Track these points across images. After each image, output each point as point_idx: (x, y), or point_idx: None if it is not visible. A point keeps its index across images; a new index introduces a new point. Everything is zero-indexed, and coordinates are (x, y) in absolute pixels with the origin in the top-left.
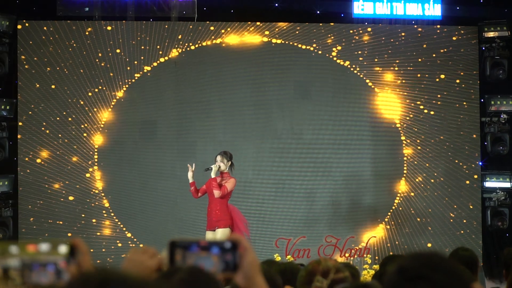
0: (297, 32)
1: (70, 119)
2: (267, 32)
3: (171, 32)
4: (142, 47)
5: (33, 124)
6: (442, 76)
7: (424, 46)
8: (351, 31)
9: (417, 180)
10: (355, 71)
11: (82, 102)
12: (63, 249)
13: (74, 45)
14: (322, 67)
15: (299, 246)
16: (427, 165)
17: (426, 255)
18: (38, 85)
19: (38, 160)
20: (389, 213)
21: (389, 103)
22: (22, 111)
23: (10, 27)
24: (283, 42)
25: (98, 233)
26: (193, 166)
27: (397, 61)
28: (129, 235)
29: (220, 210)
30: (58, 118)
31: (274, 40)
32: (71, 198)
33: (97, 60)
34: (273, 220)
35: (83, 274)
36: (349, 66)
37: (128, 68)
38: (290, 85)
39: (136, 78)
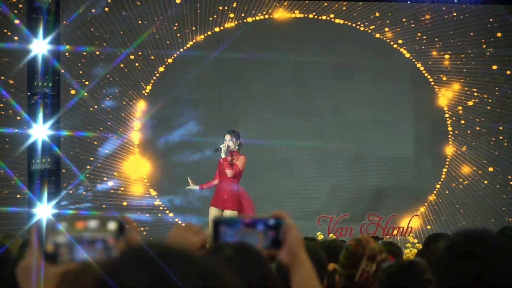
0: (343, 8)
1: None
2: (311, 9)
3: (214, 8)
4: (176, 25)
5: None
6: (494, 67)
7: (472, 33)
8: (398, 9)
9: (462, 169)
10: (401, 50)
11: (126, 70)
12: (112, 225)
13: (123, 13)
14: (365, 46)
15: (342, 224)
16: (471, 151)
17: (476, 232)
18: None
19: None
20: (433, 194)
21: (436, 85)
22: (64, 86)
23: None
24: (327, 19)
25: (139, 212)
26: (190, 182)
27: (446, 42)
28: (171, 214)
29: (230, 191)
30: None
31: (317, 17)
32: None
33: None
34: (316, 198)
35: (137, 247)
36: (394, 45)
37: (168, 42)
38: (332, 64)
39: (178, 53)
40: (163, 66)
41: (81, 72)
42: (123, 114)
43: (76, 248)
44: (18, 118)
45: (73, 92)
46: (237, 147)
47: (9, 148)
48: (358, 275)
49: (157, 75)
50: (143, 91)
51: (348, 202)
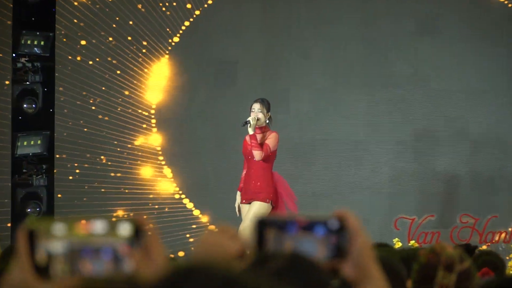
0: None
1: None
2: None
3: None
4: None
5: (75, 62)
6: None
7: None
8: None
9: None
10: (504, 1)
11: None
12: (124, 229)
13: None
14: None
15: (426, 228)
16: None
17: None
18: (79, 14)
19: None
20: None
21: None
22: (61, 47)
23: None
24: None
25: (156, 206)
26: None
27: None
28: (196, 213)
29: (263, 178)
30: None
31: None
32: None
33: None
34: (392, 193)
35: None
36: None
37: None
38: (410, 18)
39: (210, 3)
40: (190, 19)
41: (82, 24)
42: (137, 82)
43: (76, 259)
44: None
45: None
46: (267, 121)
47: None
48: None
49: (183, 28)
50: (165, 52)
51: (434, 199)
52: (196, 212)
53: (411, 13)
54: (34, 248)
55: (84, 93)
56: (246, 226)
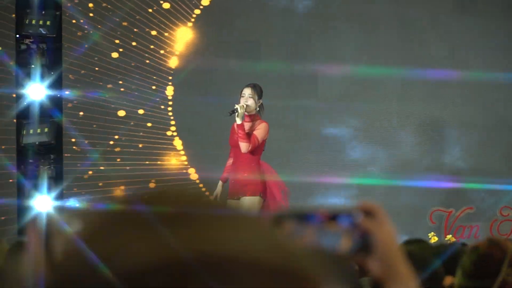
0: None
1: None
2: None
3: None
4: None
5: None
6: None
7: None
8: None
9: None
10: None
11: (150, 10)
12: None
13: None
14: None
15: (463, 221)
16: None
17: None
18: None
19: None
20: None
21: None
22: (68, 27)
23: None
24: None
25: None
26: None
27: None
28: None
29: (250, 170)
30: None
31: None
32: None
33: None
34: (428, 184)
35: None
36: None
37: None
38: None
39: None
40: None
41: (91, 5)
42: (152, 69)
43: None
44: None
45: (80, 34)
46: (257, 109)
47: None
48: (495, 287)
49: (201, 7)
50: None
51: (472, 190)
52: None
53: None
54: (46, 243)
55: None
56: None
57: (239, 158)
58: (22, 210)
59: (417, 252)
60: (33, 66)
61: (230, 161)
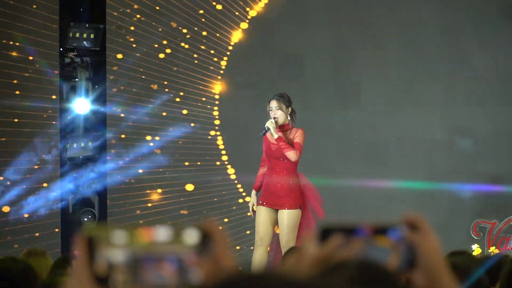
0: None
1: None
2: None
3: None
4: None
5: (127, 55)
6: None
7: None
8: None
9: None
10: None
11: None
12: (190, 236)
13: None
14: None
15: (508, 232)
16: None
17: None
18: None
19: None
20: None
21: None
22: (112, 39)
23: None
24: None
25: (226, 219)
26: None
27: None
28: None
29: (288, 180)
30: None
31: None
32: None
33: None
34: (471, 196)
35: (225, 278)
36: None
37: None
38: (492, 1)
39: None
40: (255, 8)
41: (139, 16)
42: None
43: (138, 269)
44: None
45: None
46: (289, 118)
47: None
48: None
49: (249, 17)
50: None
51: None
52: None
53: None
54: (94, 257)
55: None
56: (287, 240)
57: (276, 168)
58: (66, 223)
59: (462, 264)
60: (77, 79)
61: (262, 170)
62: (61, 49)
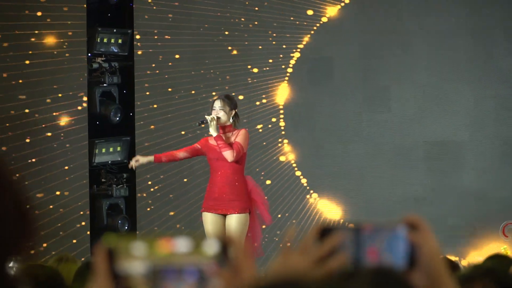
0: None
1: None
2: None
3: None
4: None
5: (156, 60)
6: None
7: None
8: None
9: None
10: None
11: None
12: (211, 246)
13: None
14: None
15: None
16: None
17: None
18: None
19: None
20: None
21: None
22: (138, 45)
23: None
24: None
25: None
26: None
27: None
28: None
29: (235, 183)
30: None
31: None
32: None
33: None
34: (500, 198)
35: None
36: None
37: None
38: None
39: None
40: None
41: (171, 18)
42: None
43: (158, 280)
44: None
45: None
46: (231, 120)
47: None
48: None
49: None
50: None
51: None
52: None
53: None
54: (113, 267)
55: (169, 89)
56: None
57: (220, 171)
58: (96, 230)
59: (499, 267)
60: (105, 84)
61: (177, 152)
62: (89, 54)
